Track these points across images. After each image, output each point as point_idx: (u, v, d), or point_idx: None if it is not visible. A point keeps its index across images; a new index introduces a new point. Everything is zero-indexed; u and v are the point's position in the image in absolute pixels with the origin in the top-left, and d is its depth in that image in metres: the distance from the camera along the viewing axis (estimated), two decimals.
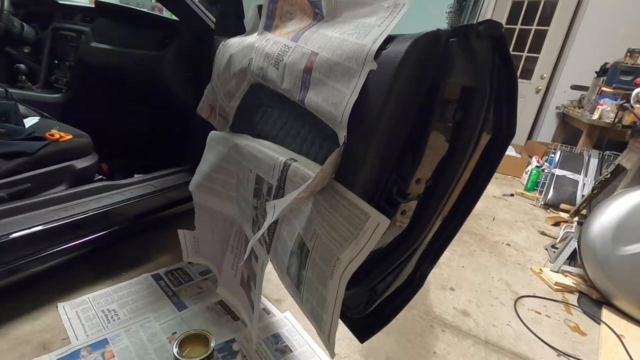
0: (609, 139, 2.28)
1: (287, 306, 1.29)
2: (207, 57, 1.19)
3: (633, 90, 2.16)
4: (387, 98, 0.53)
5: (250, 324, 1.11)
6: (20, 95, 1.59)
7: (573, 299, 1.67)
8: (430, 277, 0.79)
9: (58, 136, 1.26)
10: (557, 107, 3.87)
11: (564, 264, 1.86)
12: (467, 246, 2.04)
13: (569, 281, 1.74)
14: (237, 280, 1.10)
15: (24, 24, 1.60)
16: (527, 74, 4.04)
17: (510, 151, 3.58)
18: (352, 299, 0.76)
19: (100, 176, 1.38)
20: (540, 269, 1.85)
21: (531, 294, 1.65)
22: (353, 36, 0.59)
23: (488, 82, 0.55)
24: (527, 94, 3.98)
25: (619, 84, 2.82)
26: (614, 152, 2.56)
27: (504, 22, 4.03)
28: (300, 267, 0.74)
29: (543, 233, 2.35)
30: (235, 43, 1.02)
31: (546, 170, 3.03)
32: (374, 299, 0.76)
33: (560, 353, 1.31)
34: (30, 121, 1.35)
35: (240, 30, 1.08)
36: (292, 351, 1.12)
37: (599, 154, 2.68)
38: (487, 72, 0.55)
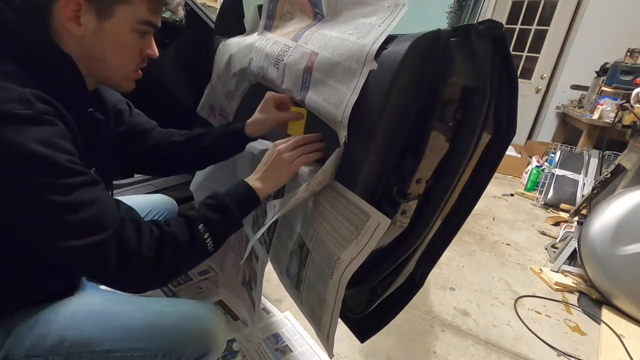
0: (609, 139, 2.28)
1: (287, 306, 1.29)
2: (207, 57, 1.19)
3: (633, 90, 2.16)
4: (387, 98, 0.53)
5: (251, 323, 1.11)
6: None
7: (573, 298, 1.67)
8: (430, 277, 0.79)
9: None
10: (557, 107, 3.87)
11: (564, 263, 1.86)
12: (467, 246, 2.04)
13: (569, 281, 1.74)
14: (238, 280, 1.10)
15: None
16: (527, 73, 4.03)
17: (510, 151, 3.58)
18: (352, 298, 0.76)
19: None
20: (540, 269, 1.85)
21: (531, 294, 1.65)
22: (353, 36, 0.59)
23: (488, 82, 0.55)
24: (527, 94, 3.97)
25: (619, 84, 2.82)
26: (614, 152, 2.56)
27: (504, 22, 4.03)
28: (300, 267, 0.74)
29: (543, 233, 2.35)
30: (235, 43, 1.02)
31: (546, 170, 3.03)
32: (374, 298, 0.76)
33: (560, 353, 1.31)
34: None
35: (240, 30, 1.08)
36: (292, 351, 1.12)
37: (599, 153, 2.68)
38: (488, 72, 0.55)
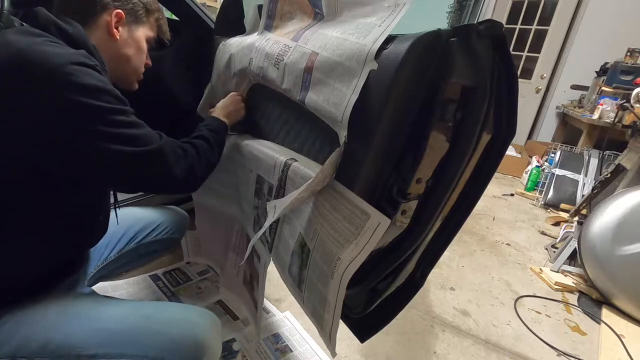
0: (609, 139, 2.28)
1: (287, 306, 1.29)
2: (207, 57, 1.19)
3: (633, 90, 2.16)
4: (387, 98, 0.53)
5: (253, 322, 1.11)
6: None
7: (573, 298, 1.67)
8: (430, 277, 0.79)
9: None
10: (557, 107, 3.87)
11: (564, 263, 1.86)
12: (467, 246, 2.04)
13: (569, 281, 1.74)
14: (239, 279, 1.11)
15: (24, 23, 1.60)
16: (527, 73, 4.04)
17: (510, 151, 3.58)
18: (352, 298, 0.76)
19: None
20: (540, 269, 1.85)
21: (531, 294, 1.65)
22: (353, 36, 0.59)
23: (488, 82, 0.55)
24: (527, 93, 3.98)
25: (619, 84, 2.82)
26: (614, 152, 2.56)
27: (504, 21, 4.03)
28: (301, 266, 0.74)
29: (543, 233, 2.35)
30: (235, 43, 1.02)
31: (546, 170, 3.03)
32: (374, 298, 0.76)
33: (560, 353, 1.31)
34: None
35: (240, 30, 1.07)
36: (292, 351, 1.12)
37: (599, 153, 2.68)
38: (488, 71, 0.55)
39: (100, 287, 1.22)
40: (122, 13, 0.73)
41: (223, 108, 0.95)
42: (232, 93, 1.00)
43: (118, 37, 0.73)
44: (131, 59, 0.78)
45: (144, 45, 0.80)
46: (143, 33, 0.79)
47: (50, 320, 0.62)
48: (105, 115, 0.59)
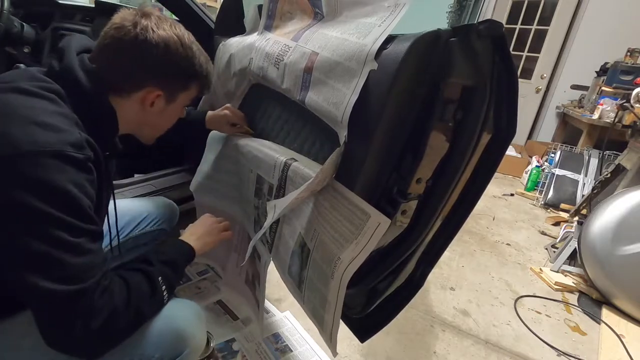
0: (609, 139, 2.28)
1: (287, 306, 1.29)
2: None
3: (633, 89, 2.16)
4: (387, 98, 0.53)
5: (255, 321, 1.11)
6: None
7: (573, 298, 1.67)
8: (430, 277, 0.79)
9: None
10: (557, 107, 3.87)
11: (564, 263, 1.86)
12: (467, 246, 2.04)
13: (569, 281, 1.74)
14: (241, 279, 1.11)
15: (24, 23, 1.60)
16: (527, 73, 4.03)
17: (510, 151, 3.58)
18: (352, 298, 0.76)
19: None
20: (540, 269, 1.85)
21: (531, 294, 1.65)
22: (353, 36, 0.59)
23: (488, 82, 0.55)
24: (527, 93, 3.97)
25: (619, 84, 2.82)
26: (614, 152, 2.56)
27: (504, 21, 4.03)
28: (301, 266, 0.74)
29: (543, 233, 2.35)
30: (235, 43, 1.02)
31: (546, 170, 3.03)
32: (375, 298, 0.76)
33: (560, 353, 1.31)
34: None
35: (240, 30, 1.08)
36: (292, 351, 1.12)
37: (599, 153, 2.68)
38: (488, 71, 0.55)
39: None
40: (162, 92, 0.66)
41: (194, 234, 0.80)
42: (213, 219, 0.86)
43: (149, 110, 0.67)
44: (159, 127, 0.74)
45: (179, 111, 0.74)
46: (184, 99, 0.72)
47: (23, 326, 0.57)
48: (40, 221, 0.48)
